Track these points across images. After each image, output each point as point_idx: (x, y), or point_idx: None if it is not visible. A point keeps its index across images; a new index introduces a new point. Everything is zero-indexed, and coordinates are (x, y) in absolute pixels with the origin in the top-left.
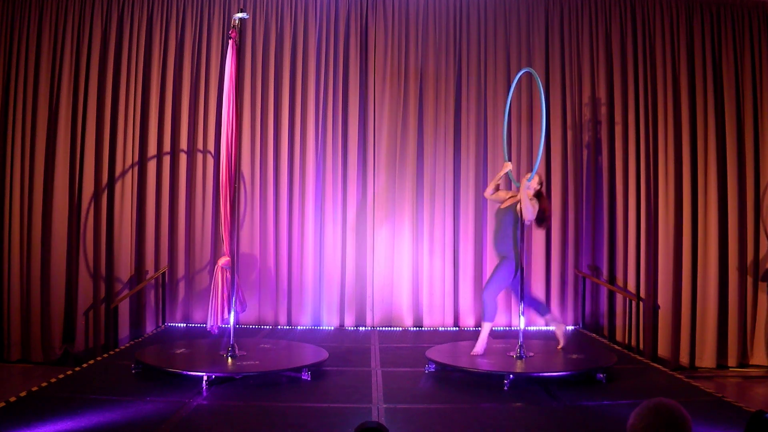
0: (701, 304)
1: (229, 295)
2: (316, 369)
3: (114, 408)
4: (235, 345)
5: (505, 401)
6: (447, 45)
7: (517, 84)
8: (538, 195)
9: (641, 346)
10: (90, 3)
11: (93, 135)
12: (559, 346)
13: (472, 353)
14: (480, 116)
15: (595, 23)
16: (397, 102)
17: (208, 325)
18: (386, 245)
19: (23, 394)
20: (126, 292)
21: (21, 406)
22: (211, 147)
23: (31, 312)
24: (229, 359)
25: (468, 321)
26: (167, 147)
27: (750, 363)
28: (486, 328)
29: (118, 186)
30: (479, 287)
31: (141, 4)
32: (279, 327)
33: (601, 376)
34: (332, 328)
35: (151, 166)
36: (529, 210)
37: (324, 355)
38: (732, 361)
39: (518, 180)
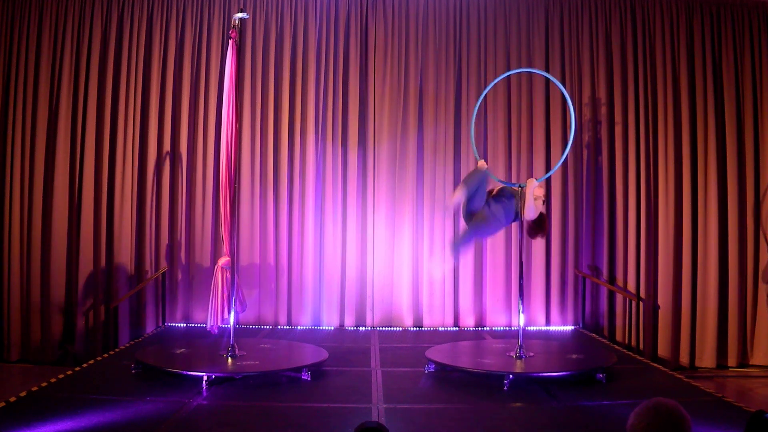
0: (701, 304)
1: (229, 295)
2: (316, 369)
3: (114, 408)
4: (235, 345)
5: (505, 401)
6: (447, 45)
7: (516, 83)
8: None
9: (641, 346)
10: (90, 3)
11: (93, 135)
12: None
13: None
14: (480, 116)
15: (595, 23)
16: (397, 102)
17: (208, 325)
18: (386, 245)
19: (23, 394)
20: (126, 292)
21: (21, 406)
22: (211, 147)
23: (31, 312)
24: (229, 359)
25: (468, 321)
26: (167, 147)
27: (750, 363)
28: None
29: (118, 186)
30: (479, 287)
31: (141, 4)
32: (279, 327)
33: (601, 376)
34: (332, 328)
35: (151, 166)
36: (532, 209)
37: (324, 355)
38: (732, 361)
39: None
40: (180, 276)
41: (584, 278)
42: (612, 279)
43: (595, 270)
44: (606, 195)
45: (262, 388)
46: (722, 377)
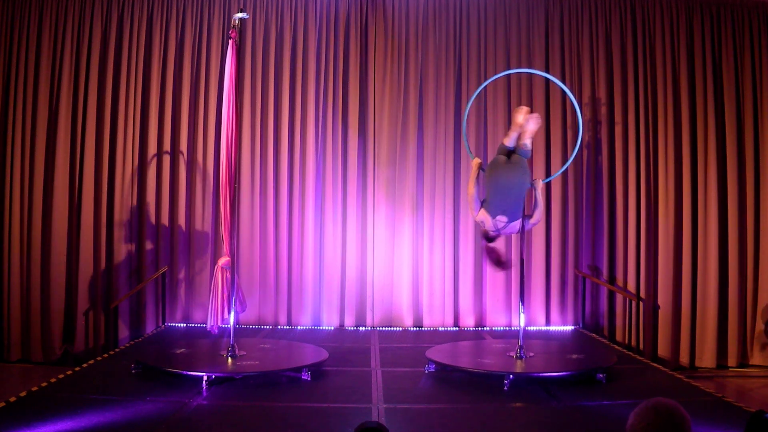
0: (701, 304)
1: (229, 295)
2: (316, 369)
3: (114, 408)
4: (235, 345)
5: (505, 401)
6: (447, 45)
7: (516, 83)
8: None
9: (641, 346)
10: (90, 3)
11: (93, 135)
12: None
13: None
14: (480, 116)
15: (595, 23)
16: (397, 102)
17: (208, 325)
18: (386, 245)
19: (23, 394)
20: (126, 292)
21: (21, 406)
22: (211, 147)
23: (31, 312)
24: (229, 359)
25: (468, 321)
26: (167, 147)
27: (750, 363)
28: None
29: (118, 186)
30: (479, 287)
31: (141, 4)
32: (279, 327)
33: (601, 376)
34: (332, 328)
35: (151, 166)
36: (542, 211)
37: (324, 355)
38: (732, 361)
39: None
40: (180, 276)
41: (584, 278)
42: (612, 279)
43: (595, 270)
44: (606, 195)
45: (262, 388)
46: (722, 377)
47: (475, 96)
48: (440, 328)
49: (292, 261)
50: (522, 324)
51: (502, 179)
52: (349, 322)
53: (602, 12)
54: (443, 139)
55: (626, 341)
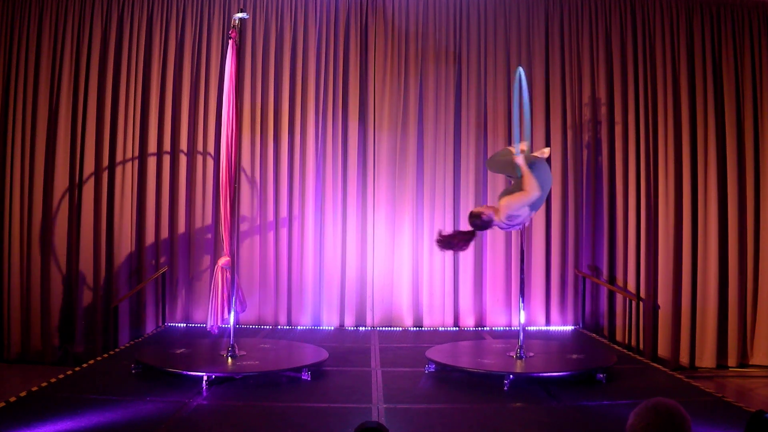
0: (701, 304)
1: (229, 295)
2: (316, 369)
3: (114, 408)
4: (235, 345)
5: (505, 401)
6: (447, 45)
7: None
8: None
9: (641, 346)
10: (90, 3)
11: (93, 135)
12: None
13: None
14: (480, 116)
15: (595, 23)
16: (397, 102)
17: (208, 325)
18: (386, 245)
19: (23, 394)
20: (126, 292)
21: (21, 406)
22: (211, 147)
23: (31, 312)
24: (229, 359)
25: (468, 321)
26: (167, 147)
27: (750, 363)
28: None
29: (118, 186)
30: (479, 287)
31: (141, 4)
32: (279, 327)
33: (601, 376)
34: (332, 328)
35: (151, 166)
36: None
37: (324, 355)
38: (732, 361)
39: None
40: (180, 276)
41: (584, 278)
42: (612, 279)
43: (595, 270)
44: (606, 195)
45: (262, 388)
46: (722, 377)
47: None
48: (440, 328)
49: (292, 261)
50: (522, 324)
51: (545, 177)
52: (349, 322)
53: (602, 12)
54: (443, 139)
55: (626, 341)
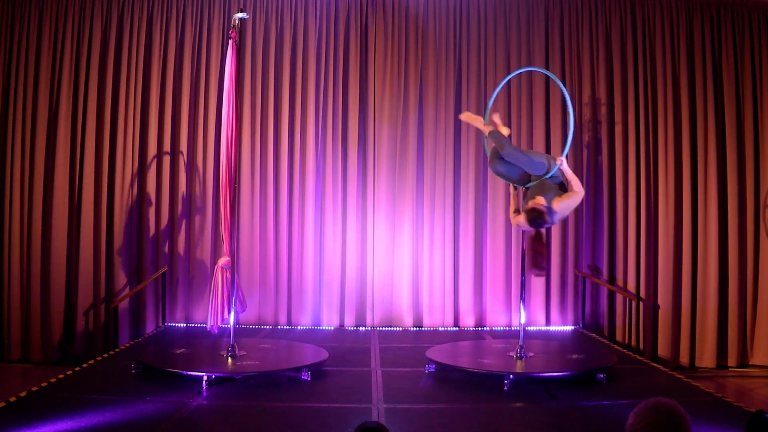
0: (701, 304)
1: (229, 295)
2: (316, 369)
3: (114, 408)
4: (235, 345)
5: (505, 401)
6: (447, 45)
7: (516, 83)
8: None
9: (641, 346)
10: (90, 3)
11: (93, 135)
12: None
13: None
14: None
15: (595, 23)
16: (397, 102)
17: (208, 325)
18: (386, 245)
19: (23, 394)
20: (126, 292)
21: (21, 406)
22: (211, 147)
23: (31, 312)
24: (229, 359)
25: (468, 321)
26: (167, 147)
27: (750, 363)
28: None
29: (118, 186)
30: (479, 287)
31: (141, 4)
32: (279, 327)
33: (601, 376)
34: (332, 328)
35: (151, 166)
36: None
37: (324, 355)
38: (732, 361)
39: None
40: (180, 276)
41: (584, 278)
42: (612, 279)
43: (595, 270)
44: (606, 195)
45: (262, 388)
46: (722, 377)
47: (493, 98)
48: (440, 328)
49: (292, 261)
50: (522, 324)
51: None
52: (349, 322)
53: (602, 12)
54: (443, 139)
55: (626, 341)
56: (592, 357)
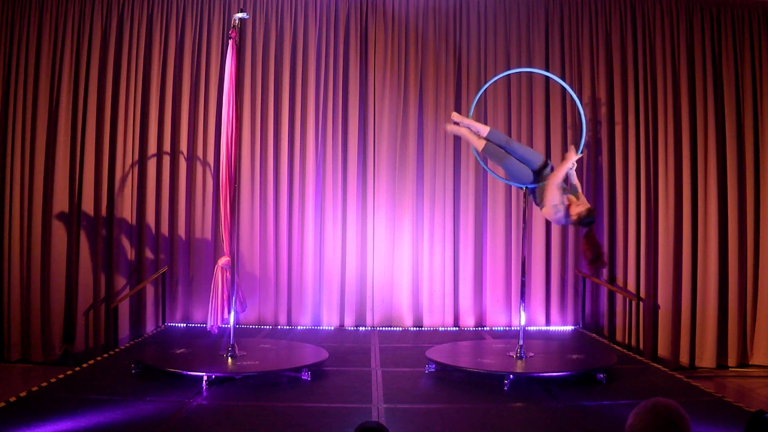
0: (701, 304)
1: (229, 295)
2: (316, 369)
3: (114, 408)
4: (235, 345)
5: (505, 401)
6: (447, 45)
7: (516, 83)
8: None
9: (641, 346)
10: (90, 3)
11: (93, 135)
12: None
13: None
14: (480, 116)
15: (595, 23)
16: (397, 102)
17: (208, 325)
18: (386, 245)
19: (23, 394)
20: (126, 292)
21: (21, 406)
22: (211, 147)
23: (31, 312)
24: (229, 359)
25: (468, 321)
26: (167, 147)
27: (750, 363)
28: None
29: (117, 186)
30: (479, 287)
31: (141, 4)
32: (279, 327)
33: (601, 376)
34: (332, 328)
35: (151, 165)
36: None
37: (324, 355)
38: (732, 361)
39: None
40: (180, 276)
41: (584, 278)
42: (612, 279)
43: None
44: (606, 195)
45: (262, 388)
46: (722, 377)
47: (477, 97)
48: (440, 328)
49: (292, 261)
50: (522, 324)
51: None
52: (349, 322)
53: (602, 12)
54: (443, 139)
55: (626, 341)
56: (592, 357)
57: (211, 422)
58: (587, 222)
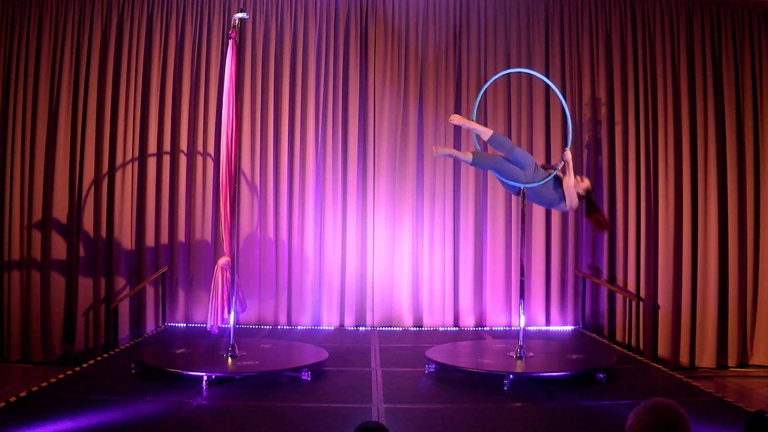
0: (701, 304)
1: (229, 295)
2: (316, 369)
3: (114, 408)
4: (235, 345)
5: (505, 401)
6: (447, 45)
7: (516, 83)
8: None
9: (641, 346)
10: (90, 3)
11: (93, 135)
12: None
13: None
14: (480, 116)
15: (595, 23)
16: (397, 102)
17: (208, 325)
18: (386, 245)
19: (23, 394)
20: (126, 292)
21: (21, 406)
22: (211, 147)
23: (31, 312)
24: (229, 359)
25: (468, 321)
26: (167, 147)
27: (750, 363)
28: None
29: (118, 186)
30: (479, 287)
31: (141, 4)
32: (279, 327)
33: (601, 376)
34: (332, 328)
35: (151, 166)
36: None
37: (324, 355)
38: (732, 361)
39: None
40: (180, 276)
41: (584, 278)
42: (612, 279)
43: (595, 270)
44: (606, 195)
45: (262, 388)
46: (722, 377)
47: (478, 100)
48: (440, 328)
49: (292, 261)
50: (522, 324)
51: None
52: (349, 322)
53: (602, 12)
54: (443, 139)
55: (626, 341)
56: (592, 357)
57: (211, 422)
58: (592, 189)
